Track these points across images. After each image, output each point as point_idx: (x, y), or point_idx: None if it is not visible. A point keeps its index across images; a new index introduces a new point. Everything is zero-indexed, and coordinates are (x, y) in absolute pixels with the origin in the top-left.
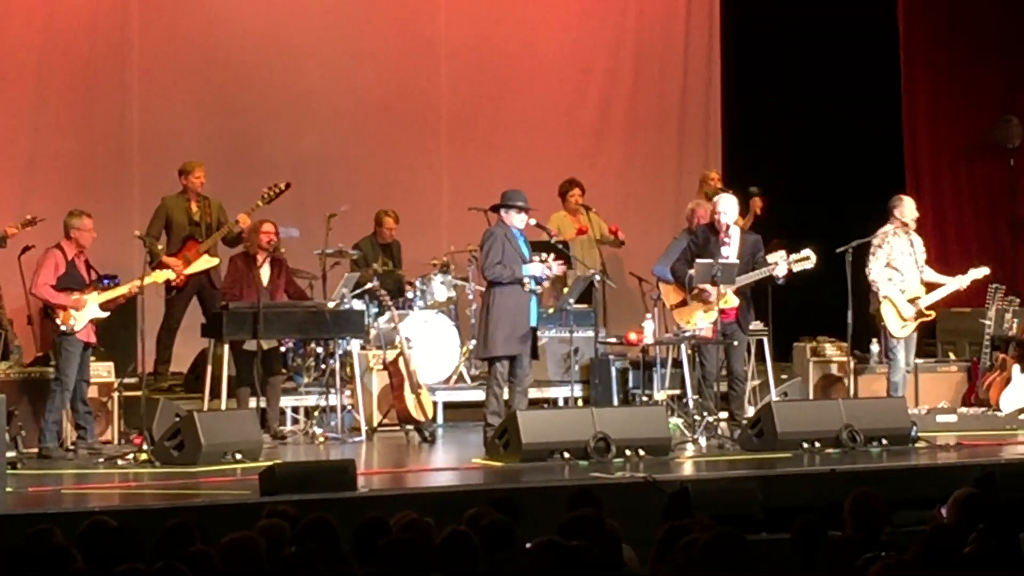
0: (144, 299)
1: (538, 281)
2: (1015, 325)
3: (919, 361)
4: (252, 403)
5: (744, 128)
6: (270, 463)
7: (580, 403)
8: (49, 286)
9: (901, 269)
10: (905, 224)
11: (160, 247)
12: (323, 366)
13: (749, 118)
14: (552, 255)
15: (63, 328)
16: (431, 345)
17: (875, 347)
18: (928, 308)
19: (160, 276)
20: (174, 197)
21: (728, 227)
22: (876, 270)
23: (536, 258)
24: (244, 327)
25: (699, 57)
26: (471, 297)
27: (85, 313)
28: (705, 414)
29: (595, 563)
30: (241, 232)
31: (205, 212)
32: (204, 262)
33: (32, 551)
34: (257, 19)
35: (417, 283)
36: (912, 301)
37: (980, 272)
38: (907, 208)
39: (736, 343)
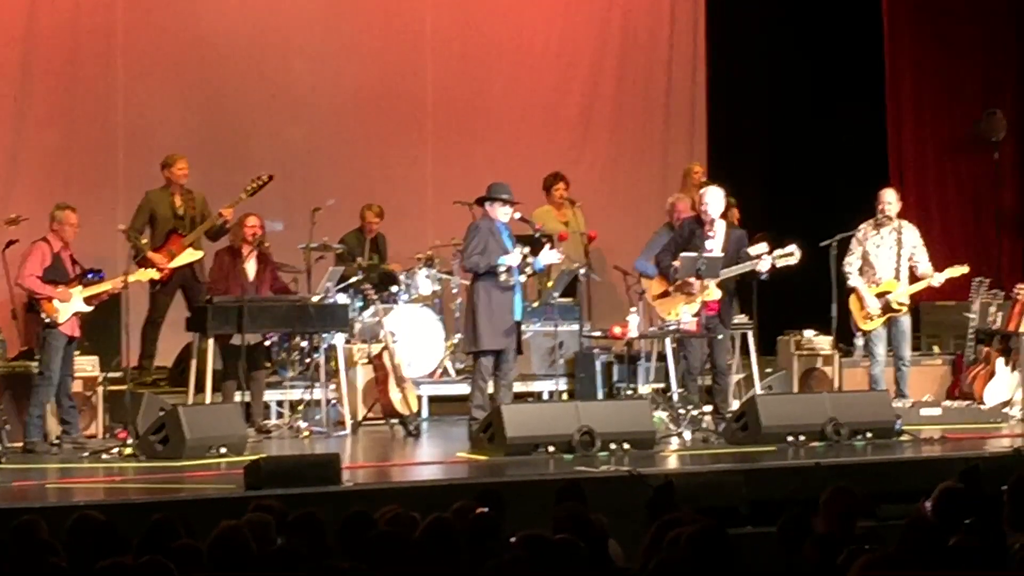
0: (129, 293)
1: (520, 271)
2: (999, 318)
3: None
4: (238, 397)
5: (729, 122)
6: (255, 457)
7: (565, 397)
8: (35, 277)
9: (874, 263)
10: (889, 218)
11: (144, 241)
12: (308, 360)
13: (734, 112)
14: (549, 245)
15: (47, 321)
16: (416, 339)
17: (859, 340)
18: (901, 303)
19: (145, 275)
20: (157, 191)
21: (713, 220)
22: (846, 262)
23: (516, 248)
24: (229, 321)
25: (684, 50)
26: (456, 291)
27: (69, 306)
28: (690, 408)
29: (581, 557)
30: (224, 224)
31: (189, 205)
32: (188, 256)
33: (15, 544)
34: (242, 12)
35: (402, 277)
36: (882, 295)
37: (957, 271)
38: (881, 200)
39: (720, 336)
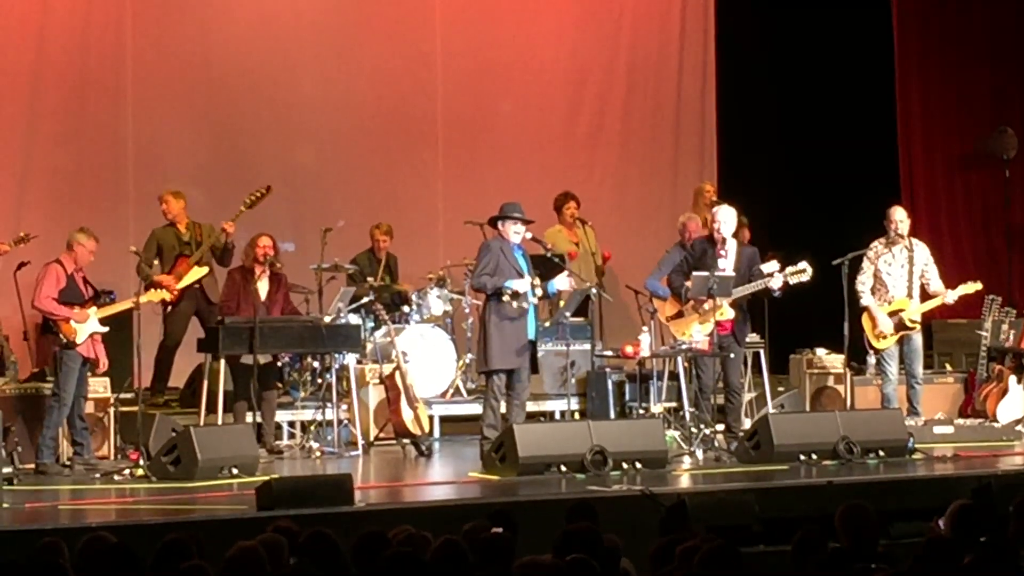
0: (140, 315)
1: (532, 295)
2: (1011, 336)
3: None
4: (249, 417)
5: (739, 140)
6: (267, 478)
7: (577, 416)
8: (52, 299)
9: (887, 281)
10: (901, 235)
11: (154, 272)
12: (319, 380)
13: (744, 130)
14: (565, 273)
15: (64, 342)
16: (427, 359)
17: (871, 359)
18: (914, 320)
19: (156, 296)
20: (162, 229)
21: (725, 239)
22: (858, 281)
23: (527, 275)
24: (240, 342)
25: (694, 69)
26: (467, 311)
27: (86, 327)
28: (702, 426)
29: None
30: (228, 242)
31: (196, 232)
32: (195, 273)
33: (28, 567)
34: (252, 34)
35: (413, 297)
36: (895, 313)
37: (971, 287)
38: (892, 218)
39: (732, 355)
